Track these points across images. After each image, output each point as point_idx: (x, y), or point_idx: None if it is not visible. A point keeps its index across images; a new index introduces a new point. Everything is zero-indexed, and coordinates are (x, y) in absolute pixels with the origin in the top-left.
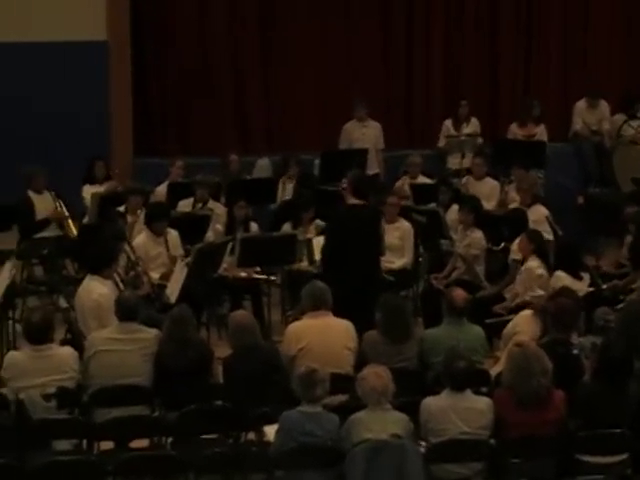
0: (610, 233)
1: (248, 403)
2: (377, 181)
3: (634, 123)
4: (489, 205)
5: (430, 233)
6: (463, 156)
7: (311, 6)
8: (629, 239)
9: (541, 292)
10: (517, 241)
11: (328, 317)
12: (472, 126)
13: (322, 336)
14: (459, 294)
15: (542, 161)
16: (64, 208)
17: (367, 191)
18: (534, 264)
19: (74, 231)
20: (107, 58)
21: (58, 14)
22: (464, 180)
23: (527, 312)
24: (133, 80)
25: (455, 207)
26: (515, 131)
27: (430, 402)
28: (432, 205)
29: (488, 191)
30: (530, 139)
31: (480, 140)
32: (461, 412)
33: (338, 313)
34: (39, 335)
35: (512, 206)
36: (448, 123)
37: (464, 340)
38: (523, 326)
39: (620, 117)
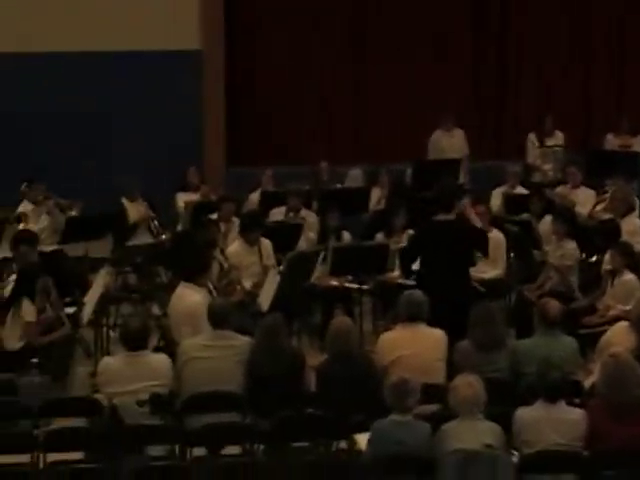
0: None
1: (341, 411)
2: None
3: None
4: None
5: (522, 244)
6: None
7: (399, 16)
8: None
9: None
10: (608, 254)
11: (421, 327)
12: (556, 138)
13: (415, 346)
14: (553, 305)
15: (636, 172)
16: (150, 210)
17: (453, 203)
18: (628, 278)
19: (160, 231)
20: (201, 67)
21: (153, 23)
22: (559, 189)
23: (623, 324)
24: (225, 89)
25: (548, 218)
26: (612, 142)
27: (523, 413)
28: (525, 215)
29: (584, 199)
30: (627, 149)
31: (561, 151)
32: (554, 423)
33: (431, 325)
34: (137, 341)
35: (605, 217)
36: (532, 137)
37: (557, 351)
38: (618, 338)
39: None
